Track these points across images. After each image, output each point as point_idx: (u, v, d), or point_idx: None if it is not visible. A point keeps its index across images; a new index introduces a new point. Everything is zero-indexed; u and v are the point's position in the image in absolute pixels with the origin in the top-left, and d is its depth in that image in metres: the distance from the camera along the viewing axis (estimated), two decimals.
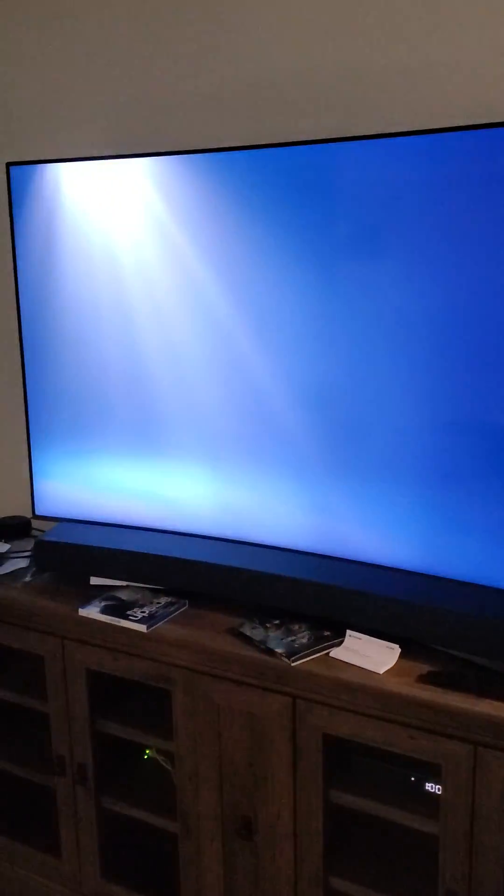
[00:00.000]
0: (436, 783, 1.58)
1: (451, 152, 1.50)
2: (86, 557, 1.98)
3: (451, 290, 1.55)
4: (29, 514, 2.25)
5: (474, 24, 1.69)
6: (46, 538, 2.03)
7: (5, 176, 2.09)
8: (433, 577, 1.65)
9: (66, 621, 1.89)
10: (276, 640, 1.67)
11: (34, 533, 2.28)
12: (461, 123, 1.56)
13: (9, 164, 1.94)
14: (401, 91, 1.77)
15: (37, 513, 2.11)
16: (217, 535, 1.88)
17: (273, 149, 1.67)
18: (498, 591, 1.58)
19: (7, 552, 2.15)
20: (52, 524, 2.14)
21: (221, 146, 1.76)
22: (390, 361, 1.63)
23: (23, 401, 2.15)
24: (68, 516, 2.07)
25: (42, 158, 1.90)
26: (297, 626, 1.72)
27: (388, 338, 1.62)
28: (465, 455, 1.59)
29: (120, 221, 1.85)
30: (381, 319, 1.62)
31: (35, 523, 2.29)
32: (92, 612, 1.84)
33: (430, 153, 1.52)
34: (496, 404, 1.54)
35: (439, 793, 1.56)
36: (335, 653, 1.64)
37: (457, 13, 1.70)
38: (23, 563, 2.10)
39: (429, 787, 1.60)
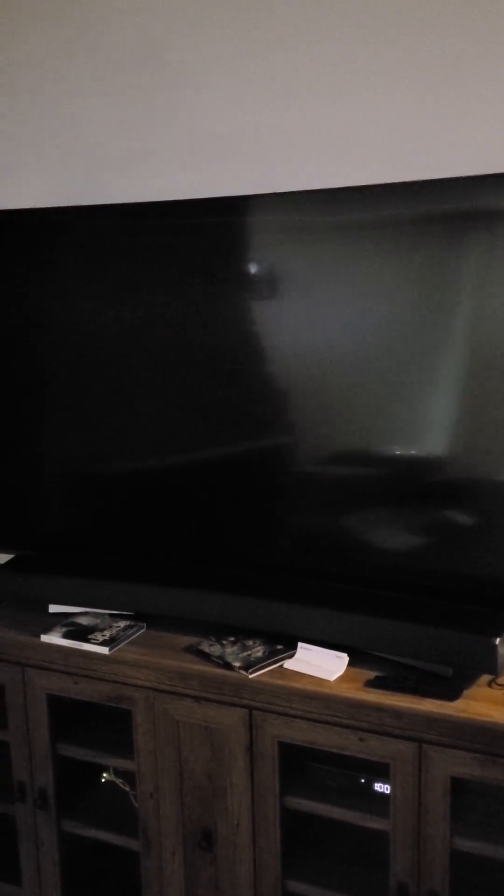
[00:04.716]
0: (384, 783, 1.70)
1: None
2: (43, 586, 2.05)
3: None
4: None
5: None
6: (4, 569, 2.10)
7: None
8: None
9: (26, 648, 1.96)
10: (234, 656, 1.78)
11: None
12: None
13: None
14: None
15: None
16: (173, 558, 1.99)
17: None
18: (433, 602, 1.74)
19: None
20: (7, 557, 2.20)
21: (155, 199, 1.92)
22: None
23: None
24: (23, 549, 2.14)
25: None
26: (251, 642, 1.83)
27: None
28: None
29: (58, 272, 1.98)
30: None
31: None
32: (54, 638, 1.91)
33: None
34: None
35: (387, 792, 1.68)
36: (288, 664, 1.75)
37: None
38: None
39: (378, 786, 1.72)
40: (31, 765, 2.01)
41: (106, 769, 2.08)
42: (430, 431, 1.72)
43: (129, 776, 1.99)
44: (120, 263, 1.94)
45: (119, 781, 2.04)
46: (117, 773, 2.05)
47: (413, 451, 1.75)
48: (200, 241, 1.86)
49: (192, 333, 1.88)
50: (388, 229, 1.70)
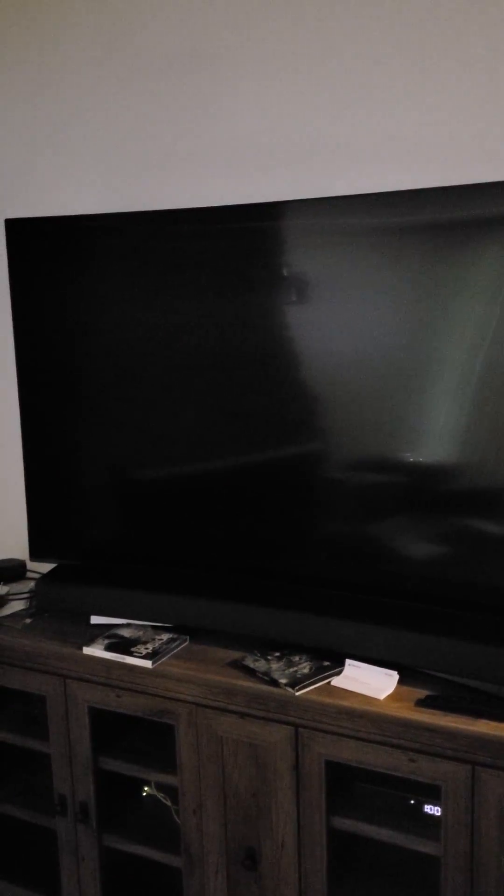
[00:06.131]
0: (435, 805, 1.65)
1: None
2: (86, 597, 2.03)
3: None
4: (25, 557, 2.30)
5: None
6: (46, 579, 2.08)
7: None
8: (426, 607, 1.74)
9: (68, 660, 1.94)
10: (279, 672, 1.74)
11: (29, 575, 2.32)
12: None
13: (6, 221, 2.03)
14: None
15: (33, 556, 2.16)
16: (215, 569, 1.95)
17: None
18: (486, 618, 1.68)
19: (6, 594, 2.19)
20: (49, 566, 2.19)
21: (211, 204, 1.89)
22: None
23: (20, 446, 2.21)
24: (65, 559, 2.12)
25: (35, 216, 2.01)
26: (297, 658, 1.79)
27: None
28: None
29: (113, 276, 1.95)
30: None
31: (31, 565, 2.33)
32: (96, 650, 1.89)
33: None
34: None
35: (438, 814, 1.63)
36: (336, 681, 1.71)
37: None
38: (21, 605, 2.14)
39: (428, 809, 1.67)
40: (72, 778, 1.99)
41: (147, 783, 2.05)
42: (481, 438, 1.67)
43: (171, 791, 1.96)
44: (159, 269, 1.91)
45: (161, 796, 2.01)
46: (159, 787, 2.02)
47: (461, 459, 1.69)
48: (240, 246, 1.83)
49: (233, 339, 1.85)
50: (426, 234, 1.65)
